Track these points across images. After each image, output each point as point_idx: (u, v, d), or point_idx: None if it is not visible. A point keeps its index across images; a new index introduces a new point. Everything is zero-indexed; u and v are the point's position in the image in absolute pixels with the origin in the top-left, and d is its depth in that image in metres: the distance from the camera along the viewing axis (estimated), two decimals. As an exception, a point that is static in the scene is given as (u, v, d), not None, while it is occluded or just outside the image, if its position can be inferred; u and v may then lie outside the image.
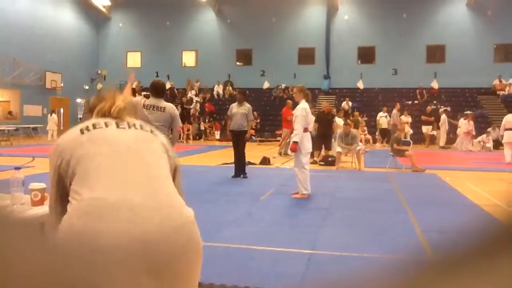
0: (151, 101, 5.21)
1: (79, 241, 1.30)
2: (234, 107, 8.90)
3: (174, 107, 5.25)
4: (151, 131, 1.63)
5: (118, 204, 1.35)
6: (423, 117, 19.41)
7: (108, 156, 1.46)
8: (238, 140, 8.89)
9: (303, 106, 6.73)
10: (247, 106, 8.86)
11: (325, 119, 12.39)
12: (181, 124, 5.37)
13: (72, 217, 1.36)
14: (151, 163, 1.51)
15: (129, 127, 1.58)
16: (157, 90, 5.25)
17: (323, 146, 12.18)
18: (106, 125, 1.55)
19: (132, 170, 1.46)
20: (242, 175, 8.86)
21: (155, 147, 1.58)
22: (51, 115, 21.25)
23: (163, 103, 5.18)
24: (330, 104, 16.94)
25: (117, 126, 1.57)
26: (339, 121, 13.51)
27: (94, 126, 1.54)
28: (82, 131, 1.52)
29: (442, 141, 18.54)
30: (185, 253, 1.40)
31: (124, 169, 1.45)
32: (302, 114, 6.64)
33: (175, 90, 26.47)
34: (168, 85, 25.48)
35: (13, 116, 22.99)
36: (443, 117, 18.40)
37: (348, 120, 14.77)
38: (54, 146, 1.53)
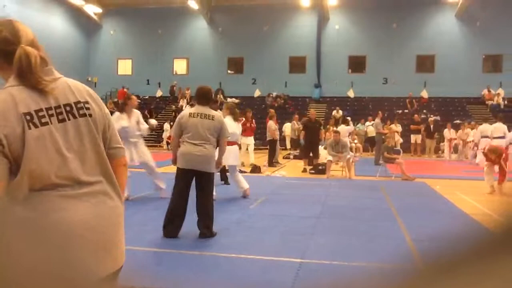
0: (197, 109, 4.80)
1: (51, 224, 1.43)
2: None
3: (222, 116, 4.97)
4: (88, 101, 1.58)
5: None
6: (412, 126, 19.43)
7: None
8: None
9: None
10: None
11: (312, 127, 12.41)
12: (229, 135, 4.93)
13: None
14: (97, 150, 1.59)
15: (67, 114, 1.50)
16: (201, 96, 4.87)
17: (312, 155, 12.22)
18: (50, 121, 1.46)
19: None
20: (223, 182, 8.79)
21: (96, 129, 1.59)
22: None
23: (211, 111, 4.82)
24: (316, 113, 16.90)
25: (58, 120, 1.48)
26: (347, 128, 13.80)
27: (40, 122, 1.44)
28: (30, 127, 1.41)
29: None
30: (115, 226, 1.61)
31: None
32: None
33: (174, 88, 26.63)
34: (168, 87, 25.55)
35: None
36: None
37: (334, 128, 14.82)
38: None
